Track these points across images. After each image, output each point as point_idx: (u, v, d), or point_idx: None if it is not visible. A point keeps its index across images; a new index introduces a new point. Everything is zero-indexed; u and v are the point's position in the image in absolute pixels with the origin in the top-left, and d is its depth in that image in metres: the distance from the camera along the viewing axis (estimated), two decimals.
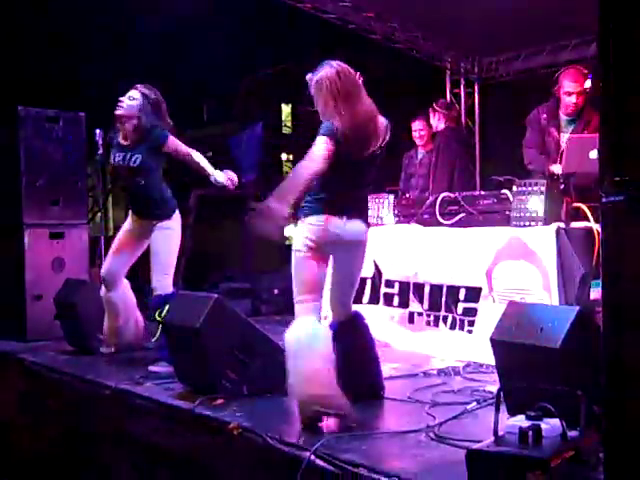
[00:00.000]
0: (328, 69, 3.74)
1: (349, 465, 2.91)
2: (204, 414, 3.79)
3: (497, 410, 2.67)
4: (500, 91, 10.26)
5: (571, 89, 5.52)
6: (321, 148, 3.57)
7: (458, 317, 5.18)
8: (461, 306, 5.15)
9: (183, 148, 5.22)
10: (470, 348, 5.00)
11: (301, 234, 3.74)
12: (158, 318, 4.80)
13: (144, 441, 4.21)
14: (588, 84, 5.53)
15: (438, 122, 7.23)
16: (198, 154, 5.27)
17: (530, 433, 2.51)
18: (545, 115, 5.78)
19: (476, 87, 10.11)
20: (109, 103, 5.29)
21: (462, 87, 10.09)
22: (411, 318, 5.57)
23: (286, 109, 19.56)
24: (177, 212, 5.35)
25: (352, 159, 3.69)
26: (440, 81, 10.04)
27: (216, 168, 5.29)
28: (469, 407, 3.72)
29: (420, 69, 10.01)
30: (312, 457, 3.05)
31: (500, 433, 2.61)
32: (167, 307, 4.62)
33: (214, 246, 10.13)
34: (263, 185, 11.80)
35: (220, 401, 3.98)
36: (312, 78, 3.76)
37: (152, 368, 4.92)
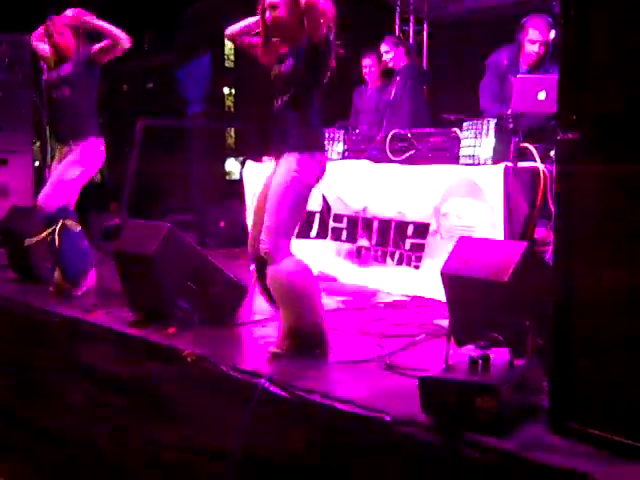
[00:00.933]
0: None
1: (303, 391, 3.00)
2: (157, 342, 3.83)
3: (448, 340, 2.77)
4: (449, 30, 10.27)
5: (535, 37, 5.53)
6: None
7: (405, 253, 5.28)
8: (409, 242, 5.24)
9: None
10: (416, 283, 5.11)
11: (308, 167, 3.60)
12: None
13: (97, 369, 4.24)
14: (552, 35, 5.55)
15: (392, 57, 7.13)
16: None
17: (479, 361, 2.62)
18: (506, 61, 5.80)
19: (425, 25, 10.11)
20: None
21: (411, 25, 10.07)
22: (359, 253, 5.66)
23: (229, 43, 19.26)
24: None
25: None
26: (389, 19, 10.01)
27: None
28: (418, 338, 3.84)
29: (369, 5, 9.93)
30: (266, 384, 3.12)
31: (450, 362, 2.71)
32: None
33: (159, 178, 10.06)
34: (206, 119, 11.72)
35: (172, 329, 4.02)
36: None
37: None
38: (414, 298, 4.95)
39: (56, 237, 5.00)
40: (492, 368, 2.63)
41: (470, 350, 2.74)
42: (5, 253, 6.03)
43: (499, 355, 2.71)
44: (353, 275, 5.65)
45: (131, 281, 4.37)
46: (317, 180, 3.65)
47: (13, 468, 4.72)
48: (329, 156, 5.92)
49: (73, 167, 5.15)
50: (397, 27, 10.07)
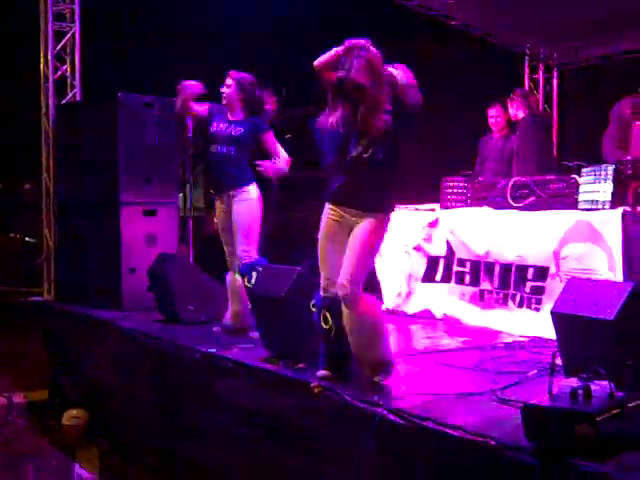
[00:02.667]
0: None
1: (417, 419, 3.26)
2: (288, 375, 4.18)
3: (552, 372, 2.97)
4: (578, 77, 10.33)
5: None
6: None
7: (526, 295, 5.45)
8: (529, 285, 5.41)
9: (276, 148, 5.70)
10: (537, 325, 5.25)
11: (384, 225, 4.01)
12: (248, 285, 5.23)
13: (232, 402, 4.62)
14: None
15: (516, 111, 7.36)
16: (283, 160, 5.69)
17: (580, 392, 2.81)
18: (629, 110, 5.91)
19: (554, 73, 10.24)
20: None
21: (541, 72, 10.23)
22: (481, 296, 5.85)
23: None
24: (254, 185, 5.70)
25: None
26: (518, 68, 10.19)
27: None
28: (530, 374, 4.02)
29: (498, 56, 10.13)
30: (384, 412, 3.40)
31: (554, 392, 2.91)
32: (254, 274, 5.04)
33: (296, 226, 10.49)
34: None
35: (301, 365, 4.36)
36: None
37: (251, 334, 5.36)
38: (534, 339, 5.11)
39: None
40: (593, 399, 2.81)
41: (573, 382, 2.92)
42: (153, 296, 6.54)
43: (601, 387, 2.88)
44: (476, 317, 5.84)
45: (266, 321, 4.75)
46: None
47: None
48: (451, 205, 6.19)
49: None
50: (526, 76, 10.26)
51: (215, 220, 5.87)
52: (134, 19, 11.03)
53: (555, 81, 10.27)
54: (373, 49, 3.85)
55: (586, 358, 3.26)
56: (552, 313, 3.61)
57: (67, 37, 7.96)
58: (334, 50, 3.93)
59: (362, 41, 3.88)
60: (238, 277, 5.57)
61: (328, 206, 4.10)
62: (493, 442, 2.90)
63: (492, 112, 7.66)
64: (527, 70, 10.26)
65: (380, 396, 3.63)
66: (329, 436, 3.76)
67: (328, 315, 4.04)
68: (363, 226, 3.94)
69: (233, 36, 11.27)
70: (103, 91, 7.52)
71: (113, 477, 5.48)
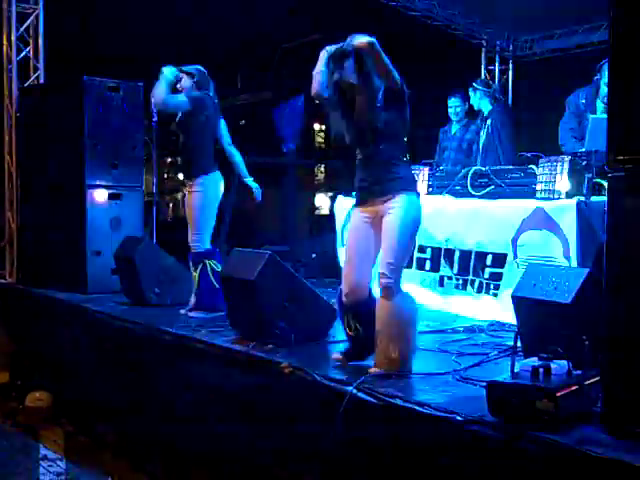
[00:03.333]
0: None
1: (386, 397, 3.43)
2: (258, 355, 4.32)
3: (514, 352, 3.16)
4: (533, 69, 10.58)
5: None
6: None
7: (485, 281, 5.65)
8: (488, 271, 5.62)
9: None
10: (495, 310, 5.47)
11: (418, 208, 4.05)
12: (194, 273, 5.66)
13: (202, 382, 4.74)
14: None
15: (480, 100, 7.50)
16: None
17: (541, 370, 3.01)
18: (584, 100, 6.15)
19: (510, 64, 10.47)
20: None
21: (497, 64, 10.45)
22: (441, 281, 6.05)
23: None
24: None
25: None
26: (475, 58, 10.40)
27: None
28: (491, 354, 4.23)
29: (456, 46, 10.32)
30: (354, 391, 3.56)
31: (516, 371, 3.10)
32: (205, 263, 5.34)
33: (255, 213, 10.64)
34: (298, 155, 12.31)
35: (270, 346, 4.50)
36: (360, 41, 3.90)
37: (191, 314, 5.70)
38: (492, 323, 5.31)
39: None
40: (552, 376, 3.01)
41: (533, 361, 3.12)
42: (120, 280, 6.62)
43: (559, 366, 3.08)
44: (437, 302, 6.04)
45: (234, 303, 4.88)
46: None
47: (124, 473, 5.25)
48: None
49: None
50: (483, 67, 10.49)
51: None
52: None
53: (510, 73, 10.50)
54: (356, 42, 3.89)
55: (545, 339, 3.46)
56: (513, 297, 3.81)
57: (31, 19, 7.94)
58: (317, 70, 4.01)
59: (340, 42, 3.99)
60: None
61: (356, 210, 4.14)
62: (459, 417, 3.08)
63: (452, 102, 7.82)
64: (484, 61, 10.48)
65: (349, 376, 3.79)
66: (300, 415, 3.91)
67: (352, 321, 4.11)
68: (393, 212, 3.93)
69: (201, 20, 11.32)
70: (67, 73, 7.52)
71: (79, 457, 5.54)
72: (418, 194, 4.11)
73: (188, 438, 4.81)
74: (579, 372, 3.06)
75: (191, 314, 5.73)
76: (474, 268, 5.73)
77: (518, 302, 3.80)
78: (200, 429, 4.70)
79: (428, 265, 6.18)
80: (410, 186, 4.06)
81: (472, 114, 7.76)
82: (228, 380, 4.52)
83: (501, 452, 2.92)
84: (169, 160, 19.70)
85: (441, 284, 6.05)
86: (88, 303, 6.37)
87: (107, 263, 6.81)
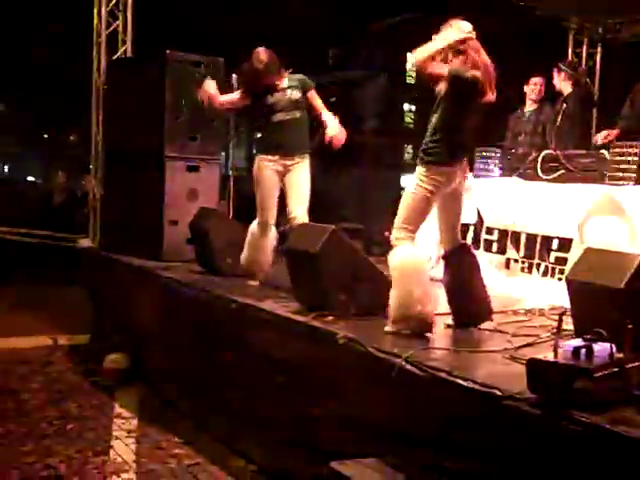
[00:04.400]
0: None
1: (432, 369, 3.52)
2: (316, 326, 4.46)
3: (559, 331, 3.21)
4: (622, 53, 10.36)
5: None
6: None
7: (550, 265, 5.66)
8: (553, 255, 5.62)
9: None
10: (559, 294, 5.44)
11: (427, 175, 4.35)
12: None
13: (264, 351, 4.91)
14: None
15: (563, 81, 7.40)
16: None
17: (582, 351, 3.05)
18: None
19: (599, 48, 10.28)
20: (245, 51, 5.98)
21: (584, 47, 10.28)
22: (507, 264, 6.07)
23: (411, 58, 19.83)
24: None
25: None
26: (561, 41, 10.25)
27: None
28: (542, 335, 4.26)
29: (543, 27, 10.19)
30: (403, 363, 3.66)
31: (559, 350, 3.15)
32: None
33: (334, 190, 10.78)
34: (383, 134, 12.35)
35: (330, 318, 4.63)
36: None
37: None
38: (554, 307, 5.31)
39: None
40: (594, 358, 3.05)
41: (577, 342, 3.16)
42: (194, 249, 6.85)
43: (603, 348, 3.11)
44: (502, 284, 6.05)
45: (298, 275, 5.03)
46: None
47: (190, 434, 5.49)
48: (484, 174, 6.39)
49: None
50: (570, 49, 10.32)
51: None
52: None
53: (598, 57, 10.31)
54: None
55: (596, 323, 3.48)
56: (566, 279, 3.83)
57: None
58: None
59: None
60: (273, 234, 6.05)
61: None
62: (499, 392, 3.15)
63: (535, 80, 7.73)
64: (571, 44, 10.32)
65: (401, 349, 3.89)
66: (351, 383, 4.04)
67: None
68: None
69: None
70: (155, 47, 7.75)
71: (151, 418, 5.79)
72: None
73: (252, 405, 4.99)
74: (621, 355, 3.09)
75: None
76: (540, 252, 5.73)
77: (571, 285, 3.82)
78: (263, 397, 4.87)
79: (495, 247, 6.20)
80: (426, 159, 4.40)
81: (548, 96, 7.69)
82: (289, 349, 4.66)
83: (537, 429, 2.98)
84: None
85: (507, 266, 6.07)
86: (163, 270, 6.61)
87: (183, 233, 7.03)
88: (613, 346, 3.11)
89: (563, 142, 7.02)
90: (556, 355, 3.12)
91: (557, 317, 4.88)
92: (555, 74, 7.44)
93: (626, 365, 3.06)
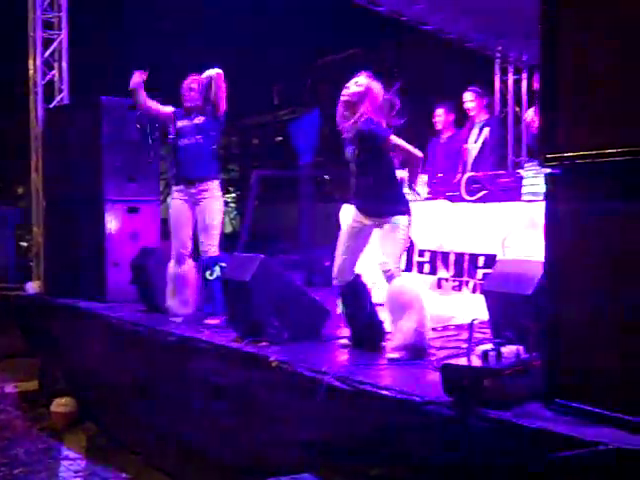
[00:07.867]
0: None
1: (357, 383, 3.70)
2: (250, 352, 4.61)
3: (469, 339, 3.41)
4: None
5: None
6: None
7: (478, 282, 5.89)
8: (480, 272, 5.85)
9: None
10: None
11: (406, 222, 4.61)
12: (209, 277, 5.81)
13: (207, 380, 5.04)
14: None
15: (478, 107, 7.63)
16: None
17: (491, 353, 3.26)
18: None
19: (524, 74, 10.62)
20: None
21: (510, 74, 10.61)
22: (439, 284, 6.29)
23: None
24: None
25: None
26: (486, 71, 10.57)
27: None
28: (465, 347, 4.45)
29: (466, 59, 10.45)
30: (330, 379, 3.84)
31: (471, 355, 3.35)
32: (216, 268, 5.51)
33: (271, 222, 10.94)
34: (319, 168, 12.60)
35: (264, 343, 4.79)
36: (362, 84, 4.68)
37: (206, 321, 5.83)
38: (483, 321, 5.52)
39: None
40: (502, 359, 3.26)
41: (487, 347, 3.37)
42: (136, 288, 6.94)
43: (511, 350, 3.33)
44: (435, 304, 6.26)
45: (232, 303, 5.18)
46: None
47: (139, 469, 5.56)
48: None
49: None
50: (497, 77, 10.67)
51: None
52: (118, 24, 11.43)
53: (525, 82, 10.66)
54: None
55: (508, 328, 3.71)
56: (482, 292, 4.06)
57: (55, 44, 8.37)
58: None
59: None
60: (187, 265, 6.13)
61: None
62: (417, 399, 3.34)
63: (439, 112, 8.00)
64: (498, 72, 10.66)
65: (328, 366, 4.07)
66: (289, 404, 4.20)
67: (340, 303, 4.82)
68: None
69: (217, 38, 11.63)
70: (90, 92, 7.86)
71: (99, 457, 5.84)
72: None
73: (197, 434, 5.10)
74: (527, 356, 3.30)
75: (207, 321, 5.84)
76: (468, 270, 5.96)
77: (487, 296, 4.05)
78: (206, 424, 4.99)
79: (427, 268, 6.42)
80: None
81: (460, 121, 7.96)
82: (228, 376, 4.80)
83: (454, 428, 3.17)
84: None
85: (439, 286, 6.29)
86: (106, 310, 6.70)
87: (126, 274, 7.12)
88: (521, 348, 3.33)
89: (484, 164, 7.31)
90: (468, 360, 3.33)
91: (484, 330, 5.20)
92: (473, 97, 7.67)
93: (532, 364, 3.27)
